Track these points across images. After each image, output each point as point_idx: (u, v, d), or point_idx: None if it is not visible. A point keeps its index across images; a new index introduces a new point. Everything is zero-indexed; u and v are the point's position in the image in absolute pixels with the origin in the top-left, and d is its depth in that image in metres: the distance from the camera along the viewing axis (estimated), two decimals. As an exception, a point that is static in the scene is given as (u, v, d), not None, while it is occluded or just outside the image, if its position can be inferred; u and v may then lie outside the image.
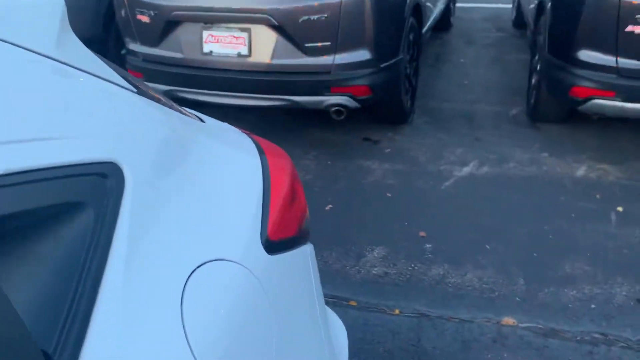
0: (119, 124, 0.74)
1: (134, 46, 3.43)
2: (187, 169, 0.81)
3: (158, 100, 0.93)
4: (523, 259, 2.48)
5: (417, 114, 3.99)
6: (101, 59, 0.88)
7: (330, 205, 2.93)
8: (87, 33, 4.06)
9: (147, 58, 3.37)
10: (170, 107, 0.96)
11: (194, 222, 0.76)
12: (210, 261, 0.73)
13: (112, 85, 0.80)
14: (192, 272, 0.70)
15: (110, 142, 0.68)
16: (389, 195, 3.02)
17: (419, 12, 3.81)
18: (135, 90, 0.85)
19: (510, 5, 6.24)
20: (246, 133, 1.22)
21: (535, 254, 2.51)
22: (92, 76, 0.76)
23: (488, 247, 2.57)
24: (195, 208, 0.78)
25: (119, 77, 0.84)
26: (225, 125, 1.25)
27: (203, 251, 0.74)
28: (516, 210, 2.84)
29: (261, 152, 1.05)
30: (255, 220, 0.87)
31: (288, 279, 0.93)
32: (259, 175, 0.96)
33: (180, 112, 1.00)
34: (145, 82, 1.14)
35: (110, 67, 0.87)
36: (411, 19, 3.59)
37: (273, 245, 0.88)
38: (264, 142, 1.14)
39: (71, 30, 0.83)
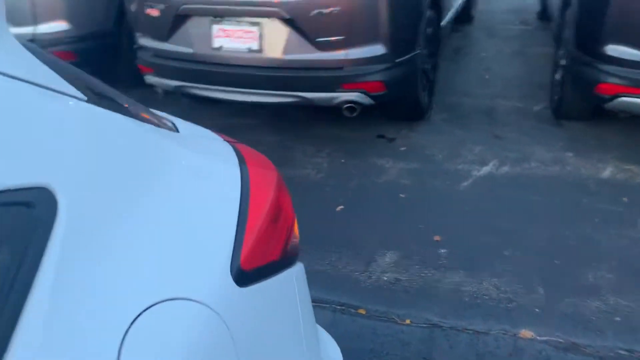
0: (54, 140, 0.63)
1: (144, 41, 3.36)
2: (147, 189, 0.71)
3: (120, 109, 0.83)
4: (543, 267, 2.35)
5: (434, 110, 3.85)
6: (52, 63, 0.78)
7: (341, 206, 2.83)
8: (100, 27, 4.02)
9: (157, 53, 3.30)
10: (136, 115, 0.87)
11: (148, 254, 0.66)
12: (163, 301, 0.62)
13: (53, 93, 0.69)
14: (137, 317, 0.59)
15: (41, 162, 0.59)
16: (403, 196, 2.91)
17: (437, 5, 3.67)
18: (86, 98, 0.75)
19: (534, -3, 6.02)
20: (229, 141, 1.12)
21: (556, 261, 2.37)
22: (26, 83, 0.66)
23: (506, 252, 2.44)
24: (152, 235, 0.68)
25: (65, 83, 0.74)
26: (205, 132, 1.14)
27: (155, 289, 0.63)
28: (537, 214, 2.70)
29: (242, 163, 0.95)
30: (225, 246, 0.76)
31: (266, 311, 0.82)
32: (236, 190, 0.85)
33: (150, 119, 0.90)
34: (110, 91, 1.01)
35: (61, 71, 0.77)
36: (429, 12, 3.45)
37: (246, 276, 0.76)
38: (248, 152, 1.03)
39: (8, 31, 0.73)
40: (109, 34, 4.08)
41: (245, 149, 1.07)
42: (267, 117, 3.80)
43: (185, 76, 3.24)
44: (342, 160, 3.29)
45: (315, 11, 2.82)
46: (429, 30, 3.56)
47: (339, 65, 2.96)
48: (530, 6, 6.09)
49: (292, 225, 0.97)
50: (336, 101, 3.06)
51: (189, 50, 3.15)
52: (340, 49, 2.91)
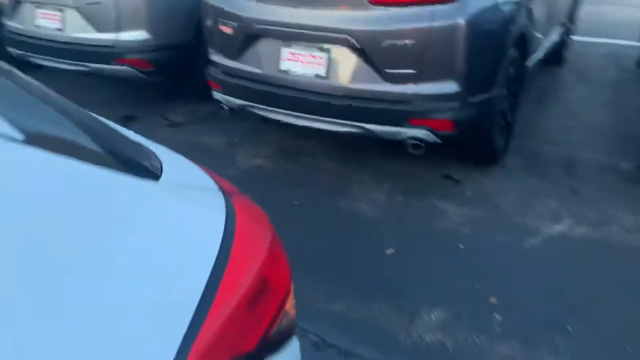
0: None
1: (216, 57, 3.36)
2: (72, 252, 0.58)
3: (72, 150, 0.71)
4: (611, 351, 2.05)
5: (509, 154, 3.58)
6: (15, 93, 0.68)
7: (391, 250, 2.64)
8: (179, 38, 4.09)
9: (226, 70, 3.29)
10: (107, 157, 0.75)
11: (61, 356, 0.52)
12: None
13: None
14: None
15: None
16: (462, 247, 2.68)
17: (523, 43, 3.42)
18: (22, 137, 0.64)
19: (636, 43, 5.56)
20: (229, 191, 0.98)
21: (627, 347, 2.06)
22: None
23: (570, 328, 2.15)
24: (73, 325, 0.55)
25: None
26: (198, 178, 1.00)
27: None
28: (611, 287, 2.39)
29: (228, 224, 0.80)
30: (170, 338, 0.60)
31: None
32: (207, 260, 0.70)
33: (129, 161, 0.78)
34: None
35: (18, 103, 0.67)
36: (513, 50, 3.21)
37: None
38: (243, 209, 0.88)
39: None
40: (187, 46, 4.14)
41: (242, 204, 0.93)
42: (330, 142, 3.69)
43: (250, 96, 3.19)
44: (401, 198, 3.11)
45: (387, 42, 2.68)
46: (512, 69, 3.32)
47: (407, 100, 2.79)
48: (629, 52, 5.63)
49: (284, 302, 0.80)
50: (401, 136, 2.89)
51: (257, 70, 3.11)
52: (409, 82, 2.75)
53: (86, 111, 1.12)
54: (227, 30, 3.15)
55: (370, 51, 2.76)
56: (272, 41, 3.01)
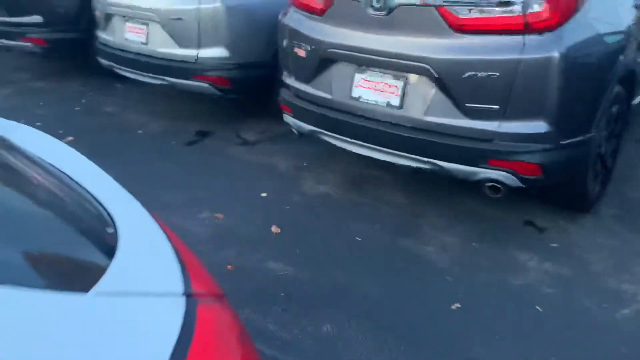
0: None
1: (288, 79, 3.25)
2: None
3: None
4: None
5: (604, 202, 3.17)
6: None
7: (457, 304, 2.36)
8: (257, 57, 4.04)
9: (298, 93, 3.17)
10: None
11: None
12: None
13: None
14: None
15: None
16: (540, 309, 2.34)
17: (631, 79, 3.02)
18: None
19: None
20: (200, 295, 0.78)
21: None
22: None
23: None
24: None
25: None
26: (158, 266, 0.82)
27: None
28: None
29: (184, 339, 0.61)
30: None
31: None
32: None
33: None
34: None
35: None
36: (617, 88, 2.83)
37: None
38: (209, 314, 0.68)
39: None
40: (265, 65, 4.08)
41: (209, 316, 0.72)
42: (401, 174, 3.45)
43: (319, 122, 3.04)
44: (475, 245, 2.81)
45: (469, 73, 2.43)
46: (615, 108, 2.93)
47: (487, 138, 2.52)
48: None
49: None
50: (477, 177, 2.61)
51: (327, 96, 2.95)
52: (492, 119, 2.48)
53: (63, 176, 1.04)
54: (301, 52, 3.03)
55: (450, 82, 2.52)
56: (345, 66, 2.85)
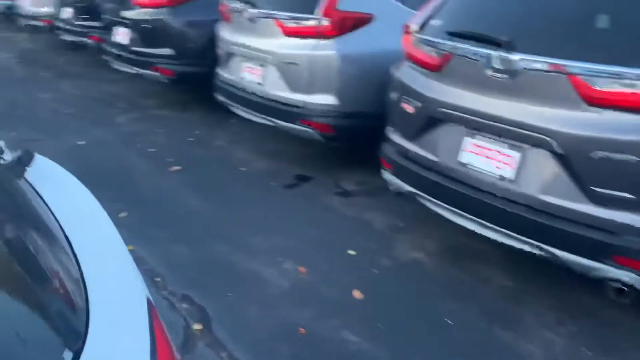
0: None
1: (392, 135, 3.07)
2: None
3: None
4: None
5: None
6: None
7: None
8: (365, 108, 3.92)
9: (400, 150, 2.97)
10: None
11: None
12: None
13: None
14: None
15: None
16: None
17: None
18: None
19: None
20: None
21: None
22: None
23: None
24: None
25: None
26: None
27: None
28: None
29: None
30: None
31: None
32: None
33: None
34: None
35: None
36: None
37: None
38: None
39: None
40: (373, 116, 3.93)
41: None
42: (510, 251, 3.08)
43: (420, 184, 2.81)
44: (588, 352, 2.38)
45: (601, 154, 2.09)
46: None
47: (615, 230, 2.13)
48: None
49: None
50: (598, 274, 2.22)
51: (432, 157, 2.72)
52: (623, 209, 2.09)
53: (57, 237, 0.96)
54: (409, 108, 2.85)
55: (576, 161, 2.18)
56: (455, 128, 2.61)
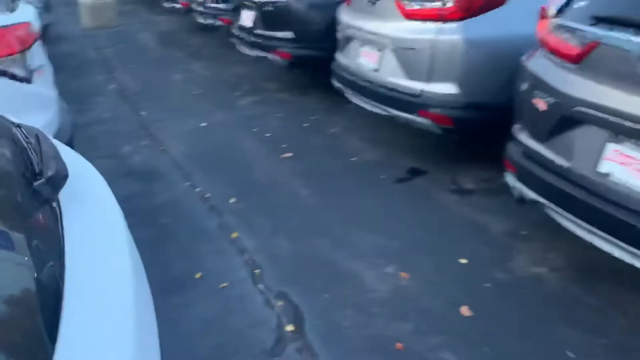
0: None
1: (519, 134, 2.71)
2: None
3: None
4: None
5: None
6: None
7: None
8: (490, 99, 3.56)
9: (527, 153, 2.61)
10: None
11: None
12: None
13: None
14: None
15: None
16: None
17: None
18: None
19: None
20: None
21: None
22: None
23: None
24: None
25: None
26: None
27: None
28: None
29: None
30: None
31: None
32: None
33: None
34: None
35: None
36: None
37: None
38: None
39: None
40: (499, 108, 3.54)
41: None
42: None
43: (548, 192, 2.45)
44: None
45: None
46: None
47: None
48: None
49: None
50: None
51: (565, 163, 2.34)
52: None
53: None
54: (541, 105, 2.47)
55: None
56: (595, 131, 2.21)
